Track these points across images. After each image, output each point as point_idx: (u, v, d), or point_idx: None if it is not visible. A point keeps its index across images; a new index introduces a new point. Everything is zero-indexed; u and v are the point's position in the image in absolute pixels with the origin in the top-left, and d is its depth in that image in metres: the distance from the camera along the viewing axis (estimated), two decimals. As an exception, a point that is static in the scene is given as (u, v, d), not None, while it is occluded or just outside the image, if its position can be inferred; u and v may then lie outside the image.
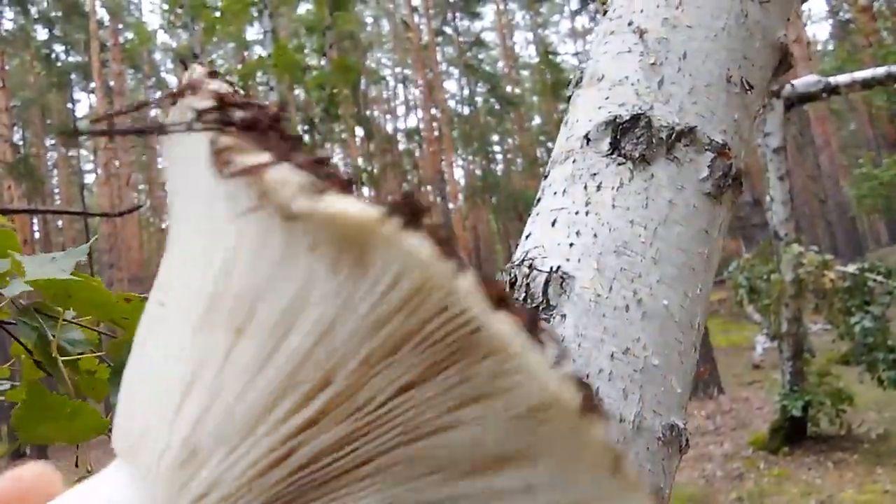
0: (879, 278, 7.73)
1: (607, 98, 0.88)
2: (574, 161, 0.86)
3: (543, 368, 0.31)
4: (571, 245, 0.81)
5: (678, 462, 0.80)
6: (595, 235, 0.80)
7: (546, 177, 0.91)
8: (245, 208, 0.34)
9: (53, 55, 26.92)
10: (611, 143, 0.84)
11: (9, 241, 0.92)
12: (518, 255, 0.87)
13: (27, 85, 26.77)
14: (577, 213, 0.82)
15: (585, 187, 0.83)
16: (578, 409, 0.32)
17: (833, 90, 7.63)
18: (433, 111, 28.97)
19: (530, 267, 0.83)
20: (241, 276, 0.36)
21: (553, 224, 0.84)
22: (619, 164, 0.83)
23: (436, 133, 28.95)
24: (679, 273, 0.80)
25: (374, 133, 27.95)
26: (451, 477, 0.38)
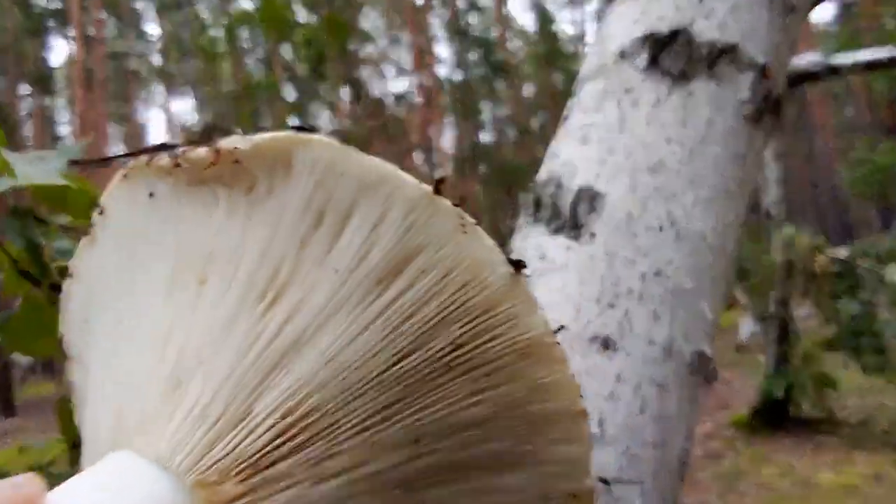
0: (869, 264, 7.74)
1: (644, 12, 0.82)
2: (607, 77, 0.81)
3: (413, 181, 0.43)
4: (603, 162, 0.76)
5: (706, 393, 0.77)
6: (629, 153, 0.75)
7: (573, 95, 0.86)
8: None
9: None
10: (649, 59, 0.79)
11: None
12: (543, 174, 0.82)
13: (2, 30, 26.18)
14: (609, 129, 0.77)
15: (619, 104, 0.78)
16: (431, 195, 0.43)
17: (834, 71, 7.57)
18: (424, 76, 28.67)
19: (557, 185, 0.79)
20: (192, 243, 0.46)
21: (583, 141, 0.79)
22: (657, 81, 0.78)
23: (426, 99, 28.70)
24: (714, 196, 0.76)
25: (363, 95, 27.61)
26: (382, 287, 0.44)
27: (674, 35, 0.79)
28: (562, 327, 0.66)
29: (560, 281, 0.73)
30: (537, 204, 0.79)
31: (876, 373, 7.44)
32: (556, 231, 0.75)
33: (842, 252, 8.20)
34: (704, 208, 0.75)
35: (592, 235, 0.74)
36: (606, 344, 0.69)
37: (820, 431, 7.90)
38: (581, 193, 0.75)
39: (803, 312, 11.80)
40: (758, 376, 8.55)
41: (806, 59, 7.81)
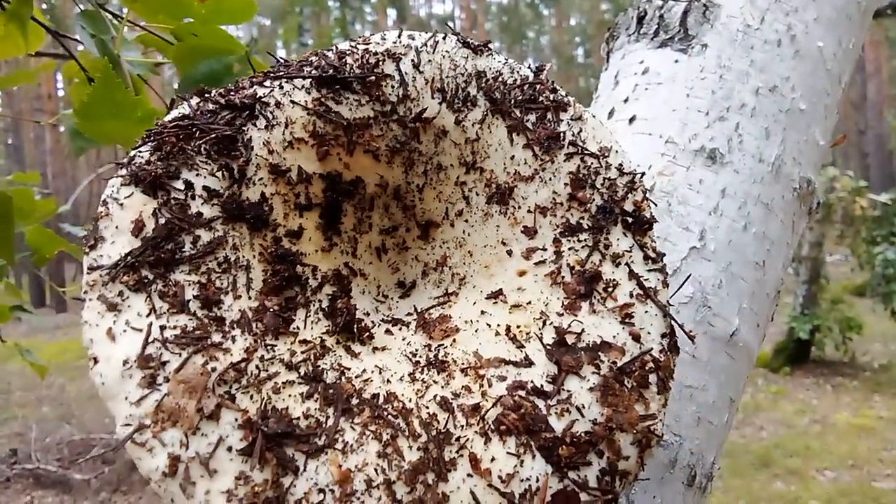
0: (911, 211, 7.56)
1: None
2: None
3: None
4: (719, -28, 0.71)
5: (805, 225, 0.73)
6: (748, -37, 0.70)
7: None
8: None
9: None
10: None
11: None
12: (648, -10, 0.77)
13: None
14: (727, -60, 0.72)
15: (740, -87, 0.72)
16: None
17: (899, 8, 7.20)
18: (470, -2, 27.96)
19: (665, -1, 0.74)
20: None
21: (696, -46, 0.73)
22: None
23: (471, 22, 28.04)
24: (837, 17, 0.70)
25: (407, 17, 27.01)
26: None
27: None
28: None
29: (666, 93, 0.68)
30: (640, 20, 0.74)
31: (905, 320, 7.37)
32: (663, 45, 0.71)
33: (883, 197, 8.01)
34: (826, 28, 0.69)
35: (704, 47, 0.69)
36: (713, 157, 0.65)
37: (841, 374, 7.89)
38: (692, 4, 0.70)
39: (834, 258, 11.65)
40: (782, 316, 8.51)
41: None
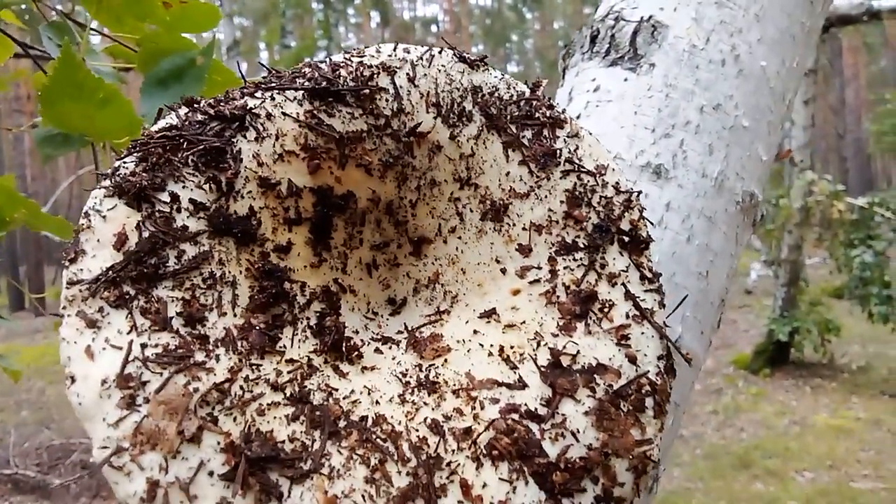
0: (888, 214, 7.66)
1: None
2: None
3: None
4: (667, -6, 0.73)
5: (749, 236, 0.76)
6: (694, -15, 0.73)
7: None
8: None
9: None
10: None
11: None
12: (601, 11, 0.79)
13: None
14: (674, -38, 0.75)
15: (687, -64, 0.75)
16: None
17: (875, 15, 7.31)
18: (454, 1, 28.04)
19: (616, 19, 0.76)
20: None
21: (646, -24, 0.76)
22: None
23: (455, 25, 28.14)
24: (780, 37, 0.73)
25: (391, 19, 27.10)
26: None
27: None
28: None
29: (615, 111, 0.71)
30: (593, 39, 0.77)
31: (882, 321, 7.46)
32: (613, 63, 0.73)
33: (860, 201, 8.10)
34: (769, 48, 0.72)
35: (651, 66, 0.71)
36: (658, 172, 0.68)
37: (820, 375, 7.98)
38: (641, 25, 0.73)
39: (813, 261, 11.77)
40: (762, 319, 8.58)
41: (847, 3, 7.52)
